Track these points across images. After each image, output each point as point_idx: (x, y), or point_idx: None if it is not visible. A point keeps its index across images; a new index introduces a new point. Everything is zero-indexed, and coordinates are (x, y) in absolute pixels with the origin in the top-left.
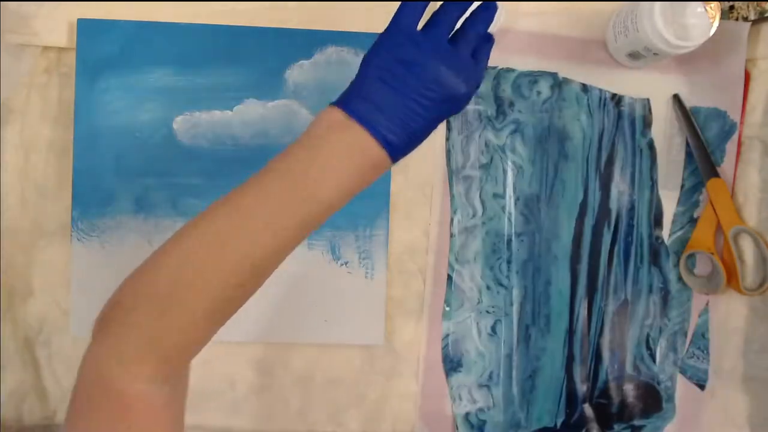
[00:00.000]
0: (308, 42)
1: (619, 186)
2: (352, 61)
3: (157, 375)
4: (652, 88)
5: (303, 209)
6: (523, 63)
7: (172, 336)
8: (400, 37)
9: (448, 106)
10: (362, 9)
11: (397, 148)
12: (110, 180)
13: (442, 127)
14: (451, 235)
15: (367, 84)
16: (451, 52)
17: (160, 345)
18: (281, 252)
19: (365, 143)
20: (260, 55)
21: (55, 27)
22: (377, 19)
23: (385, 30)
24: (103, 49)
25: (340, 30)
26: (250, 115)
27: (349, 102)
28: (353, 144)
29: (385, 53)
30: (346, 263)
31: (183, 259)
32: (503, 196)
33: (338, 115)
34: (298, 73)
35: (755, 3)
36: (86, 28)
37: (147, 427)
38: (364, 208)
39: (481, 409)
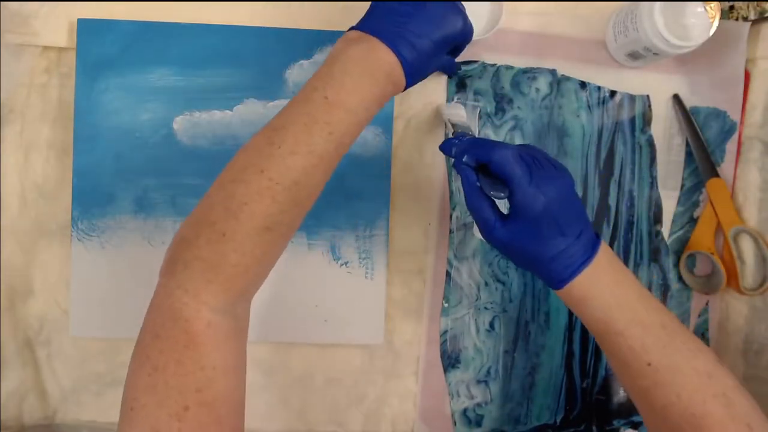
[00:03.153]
0: (308, 42)
1: (618, 183)
2: None
3: (220, 303)
4: (652, 88)
5: (331, 118)
6: (523, 63)
7: (231, 257)
8: None
9: (451, 37)
10: (362, 9)
11: (409, 62)
12: (110, 180)
13: (441, 125)
14: (450, 231)
15: (378, 11)
16: None
17: (222, 270)
18: (317, 169)
19: (380, 51)
20: (260, 55)
21: (55, 27)
22: None
23: None
24: (103, 49)
25: (340, 30)
26: (250, 115)
27: (365, 23)
28: (369, 51)
29: None
30: (346, 263)
31: (231, 187)
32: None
33: (354, 33)
34: (298, 73)
35: (755, 3)
36: (86, 28)
37: (212, 355)
38: (364, 208)
39: (479, 404)
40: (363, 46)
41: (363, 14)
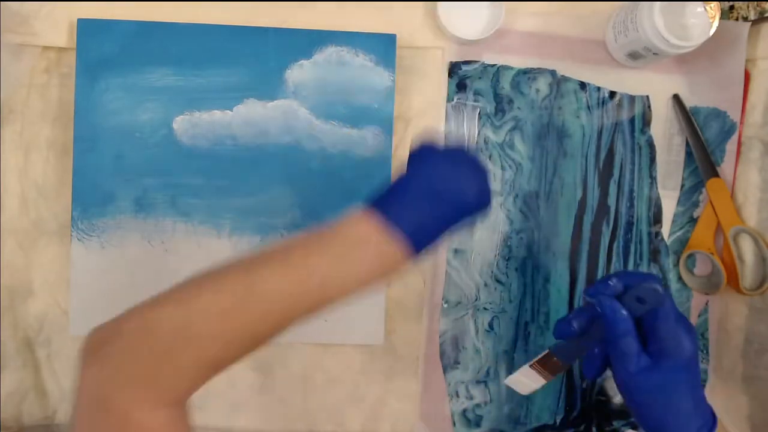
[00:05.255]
0: (308, 42)
1: (618, 183)
2: (351, 61)
3: (160, 401)
4: (652, 88)
5: (320, 309)
6: (523, 63)
7: (173, 376)
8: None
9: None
10: (362, 9)
11: (421, 253)
12: (110, 180)
13: (441, 125)
14: None
15: (417, 204)
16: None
17: (163, 381)
18: (281, 329)
19: (399, 257)
20: (260, 55)
21: (55, 27)
22: (377, 19)
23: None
24: (103, 49)
25: (340, 30)
26: (250, 115)
27: (397, 211)
28: (388, 257)
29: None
30: None
31: (188, 317)
32: (502, 194)
33: (379, 223)
34: (298, 73)
35: (755, 3)
36: (86, 28)
37: None
38: None
39: (478, 405)
40: (384, 250)
41: (362, 14)
